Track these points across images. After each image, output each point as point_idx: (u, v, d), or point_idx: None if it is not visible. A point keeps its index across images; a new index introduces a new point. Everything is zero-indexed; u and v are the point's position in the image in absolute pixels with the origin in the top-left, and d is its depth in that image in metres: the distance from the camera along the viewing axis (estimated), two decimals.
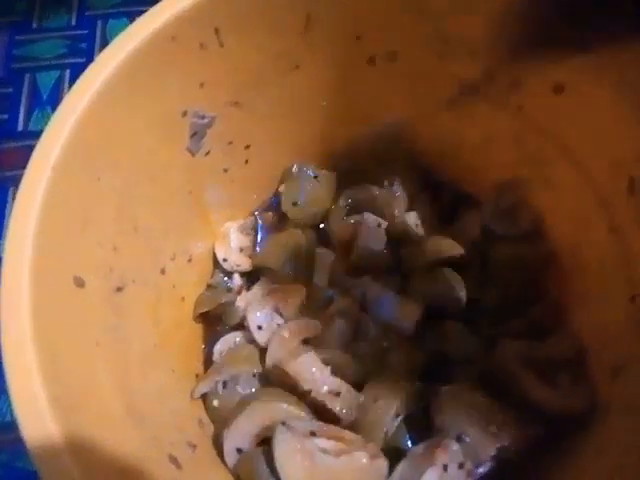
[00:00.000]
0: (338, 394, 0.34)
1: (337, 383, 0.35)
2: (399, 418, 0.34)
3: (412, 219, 0.43)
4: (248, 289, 0.41)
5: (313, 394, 0.34)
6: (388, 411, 0.33)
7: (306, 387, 0.34)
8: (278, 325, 0.38)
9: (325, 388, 0.34)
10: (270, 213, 0.46)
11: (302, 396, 0.35)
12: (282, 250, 0.41)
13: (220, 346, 0.39)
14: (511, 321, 0.38)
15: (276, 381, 0.36)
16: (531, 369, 0.34)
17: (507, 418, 0.32)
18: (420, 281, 0.39)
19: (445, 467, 0.30)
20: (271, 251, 0.42)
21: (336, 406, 0.34)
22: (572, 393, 0.33)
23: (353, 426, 0.34)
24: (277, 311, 0.39)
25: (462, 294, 0.38)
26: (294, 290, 0.39)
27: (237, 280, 0.42)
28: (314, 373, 0.35)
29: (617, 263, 0.34)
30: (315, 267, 0.41)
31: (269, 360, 0.37)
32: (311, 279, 0.41)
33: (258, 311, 0.39)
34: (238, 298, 0.40)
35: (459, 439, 0.31)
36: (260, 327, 0.38)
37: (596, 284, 0.36)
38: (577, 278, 0.38)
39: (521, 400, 0.33)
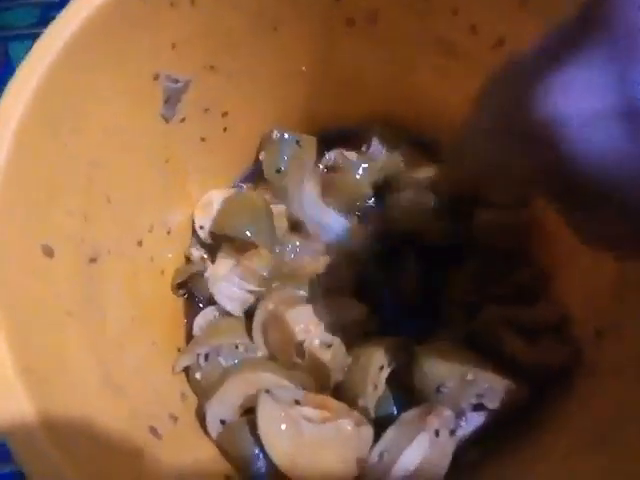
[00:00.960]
0: (329, 346, 0.35)
1: (329, 337, 0.35)
2: (385, 371, 0.34)
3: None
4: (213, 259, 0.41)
5: (306, 344, 0.35)
6: (371, 362, 0.33)
7: (300, 337, 0.35)
8: (250, 291, 0.38)
9: (317, 341, 0.35)
10: (252, 183, 0.45)
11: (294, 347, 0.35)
12: (240, 214, 0.40)
13: (200, 319, 0.39)
14: (497, 286, 0.38)
15: (271, 328, 0.36)
16: (515, 330, 0.33)
17: (485, 369, 0.32)
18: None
19: (437, 432, 0.30)
20: (227, 217, 0.40)
21: (327, 356, 0.34)
22: (553, 350, 0.33)
23: (341, 386, 0.34)
24: (244, 279, 0.39)
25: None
26: (257, 256, 0.38)
27: (196, 252, 0.42)
28: (309, 325, 0.35)
29: None
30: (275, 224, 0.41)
31: (257, 330, 0.37)
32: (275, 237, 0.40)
33: (224, 282, 0.38)
34: (206, 270, 0.39)
35: (438, 390, 0.31)
36: (230, 297, 0.38)
37: (582, 247, 0.36)
38: (563, 242, 0.37)
39: (503, 359, 0.33)
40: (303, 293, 0.38)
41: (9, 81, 0.26)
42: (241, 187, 0.45)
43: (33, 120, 0.25)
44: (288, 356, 0.35)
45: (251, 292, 0.38)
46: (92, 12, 0.27)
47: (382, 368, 0.34)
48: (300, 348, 0.35)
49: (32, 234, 0.25)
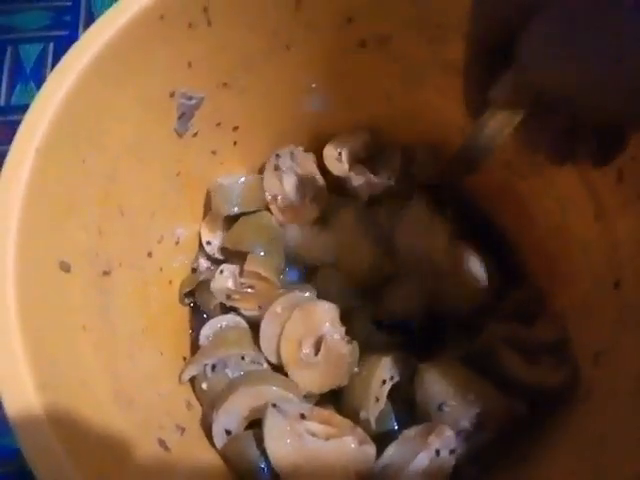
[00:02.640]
0: (350, 341, 0.37)
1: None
2: (387, 385, 0.35)
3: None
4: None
5: (327, 337, 0.36)
6: (374, 376, 0.34)
7: (323, 330, 0.36)
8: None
9: (337, 335, 0.37)
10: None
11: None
12: (255, 233, 0.41)
13: (207, 330, 0.39)
14: (497, 305, 0.38)
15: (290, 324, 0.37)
16: (514, 349, 0.34)
17: (486, 388, 0.33)
18: None
19: (437, 452, 0.31)
20: (242, 234, 0.41)
21: (346, 349, 0.36)
22: (552, 371, 0.34)
23: (344, 397, 0.35)
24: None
25: None
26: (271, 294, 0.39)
27: (204, 262, 0.42)
28: (332, 321, 0.37)
29: (602, 249, 0.34)
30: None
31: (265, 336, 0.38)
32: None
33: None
34: (212, 283, 0.40)
35: (439, 408, 0.32)
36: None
37: (581, 269, 0.36)
38: (563, 263, 0.38)
39: (503, 378, 0.34)
40: (310, 295, 0.39)
41: (18, 84, 0.26)
42: None
43: (55, 137, 0.26)
44: (302, 355, 0.36)
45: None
46: (113, 33, 0.28)
47: (384, 382, 0.35)
48: (319, 343, 0.36)
49: (51, 250, 0.26)
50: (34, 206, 0.25)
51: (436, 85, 0.40)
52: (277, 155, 0.43)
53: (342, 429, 0.31)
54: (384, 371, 0.35)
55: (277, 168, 0.43)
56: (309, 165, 0.44)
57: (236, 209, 0.41)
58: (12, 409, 0.22)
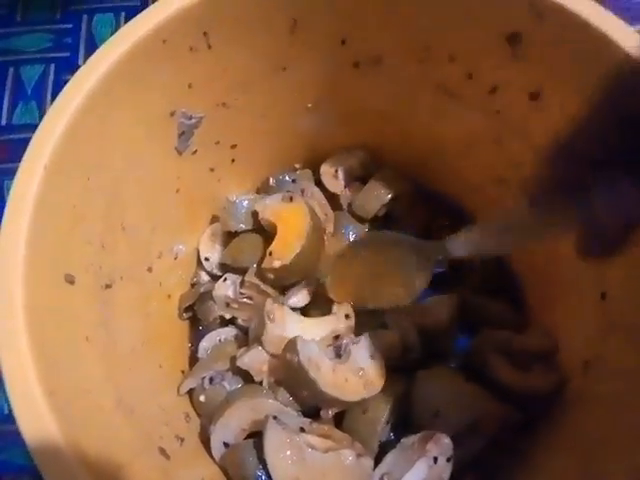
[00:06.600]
0: None
1: None
2: (389, 424, 0.35)
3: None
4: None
5: None
6: (379, 420, 0.34)
7: None
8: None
9: None
10: None
11: None
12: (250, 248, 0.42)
13: (205, 343, 0.40)
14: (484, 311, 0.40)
15: None
16: (505, 357, 0.35)
17: (480, 395, 0.34)
18: None
19: (435, 459, 0.31)
20: (239, 250, 0.42)
21: None
22: (542, 377, 0.34)
23: (346, 430, 0.35)
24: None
25: None
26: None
27: (205, 276, 0.43)
28: None
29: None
30: None
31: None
32: None
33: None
34: (214, 290, 0.41)
35: (435, 415, 0.33)
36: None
37: (570, 281, 0.38)
38: (552, 274, 0.39)
39: (496, 385, 0.35)
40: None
41: (19, 104, 0.27)
42: None
43: (62, 155, 0.27)
44: None
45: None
46: (118, 56, 0.29)
47: (388, 423, 0.35)
48: None
49: (57, 262, 0.27)
50: (42, 220, 0.26)
51: (428, 105, 0.41)
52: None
53: (341, 442, 0.32)
54: (387, 414, 0.35)
55: None
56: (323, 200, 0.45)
57: (242, 226, 0.42)
58: (22, 416, 0.22)
